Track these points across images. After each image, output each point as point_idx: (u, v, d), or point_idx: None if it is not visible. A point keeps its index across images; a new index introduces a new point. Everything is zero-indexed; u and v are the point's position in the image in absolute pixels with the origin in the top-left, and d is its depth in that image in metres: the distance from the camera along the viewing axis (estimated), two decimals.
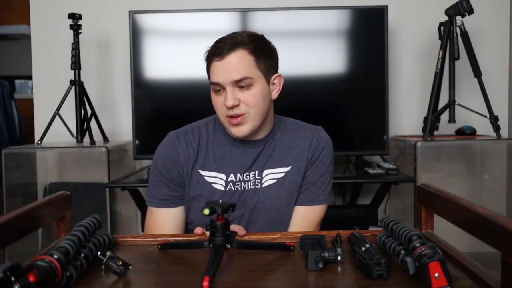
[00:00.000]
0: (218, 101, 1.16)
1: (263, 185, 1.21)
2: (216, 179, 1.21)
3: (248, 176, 1.21)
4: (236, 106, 1.13)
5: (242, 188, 1.21)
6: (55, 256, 0.70)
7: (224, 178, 1.21)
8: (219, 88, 1.15)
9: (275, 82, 1.21)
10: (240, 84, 1.13)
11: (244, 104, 1.14)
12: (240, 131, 1.16)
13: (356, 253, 0.81)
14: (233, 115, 1.14)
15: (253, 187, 1.21)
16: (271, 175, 1.22)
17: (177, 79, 2.23)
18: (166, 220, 1.23)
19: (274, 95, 1.22)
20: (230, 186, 1.20)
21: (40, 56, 2.54)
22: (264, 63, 1.16)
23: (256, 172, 1.22)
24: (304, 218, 1.23)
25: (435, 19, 2.29)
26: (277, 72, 1.23)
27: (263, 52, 1.17)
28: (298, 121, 1.31)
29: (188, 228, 1.28)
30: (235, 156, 1.22)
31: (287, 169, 1.22)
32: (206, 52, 1.19)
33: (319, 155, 1.23)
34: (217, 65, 1.14)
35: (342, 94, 2.24)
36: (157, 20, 2.23)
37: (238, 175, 1.21)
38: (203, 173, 1.21)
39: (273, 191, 1.21)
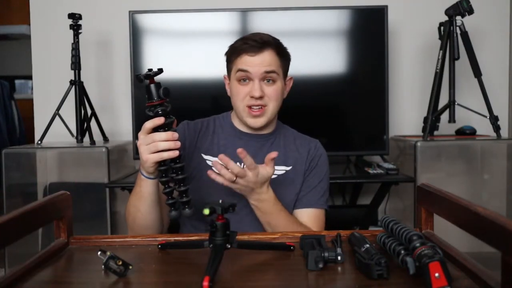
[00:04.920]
0: (242, 90, 1.25)
1: None
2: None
3: None
4: (261, 97, 1.23)
5: None
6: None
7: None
8: (246, 77, 1.24)
9: (287, 83, 1.34)
10: (268, 77, 1.24)
11: (267, 97, 1.25)
12: (256, 122, 1.26)
13: (356, 253, 0.81)
14: (256, 105, 1.24)
15: None
16: None
17: (177, 79, 2.22)
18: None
19: (285, 94, 1.33)
20: None
21: (40, 56, 2.54)
22: (284, 65, 1.30)
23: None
24: (313, 218, 1.29)
25: (435, 19, 2.29)
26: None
27: (284, 54, 1.30)
28: (297, 132, 1.41)
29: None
30: (238, 146, 1.28)
31: (288, 168, 1.31)
32: (231, 47, 1.29)
33: (317, 161, 1.33)
34: (249, 58, 1.23)
35: (342, 94, 2.24)
36: (157, 20, 2.23)
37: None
38: (206, 157, 1.29)
39: (272, 185, 1.26)
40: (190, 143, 1.30)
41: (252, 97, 1.23)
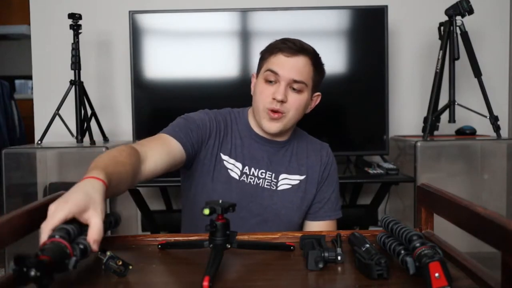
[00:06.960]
0: (266, 91, 1.21)
1: (278, 188, 1.26)
2: (233, 167, 1.25)
3: (263, 174, 1.26)
4: (283, 102, 1.19)
5: (255, 183, 1.25)
6: (57, 236, 0.68)
7: (240, 168, 1.25)
8: (274, 79, 1.20)
9: (313, 98, 1.30)
10: (295, 85, 1.20)
11: (288, 105, 1.20)
12: (272, 127, 1.22)
13: (356, 253, 0.81)
14: (276, 109, 1.19)
15: (268, 187, 1.26)
16: (287, 181, 1.27)
17: (177, 79, 2.22)
18: (165, 144, 1.14)
19: (308, 109, 1.29)
20: (244, 178, 1.25)
21: (40, 56, 2.54)
22: (317, 79, 1.26)
23: (273, 174, 1.27)
24: (328, 229, 1.29)
25: (435, 19, 2.29)
26: (318, 91, 1.30)
27: (320, 68, 1.27)
28: (307, 134, 1.39)
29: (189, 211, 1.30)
30: (252, 150, 1.27)
31: (302, 177, 1.29)
32: (268, 45, 1.25)
33: (329, 170, 1.32)
34: (283, 59, 1.20)
35: (342, 94, 2.24)
36: (157, 20, 2.23)
37: (252, 169, 1.26)
38: (224, 157, 1.26)
39: (287, 195, 1.27)
40: (216, 134, 1.25)
41: (274, 99, 1.19)
